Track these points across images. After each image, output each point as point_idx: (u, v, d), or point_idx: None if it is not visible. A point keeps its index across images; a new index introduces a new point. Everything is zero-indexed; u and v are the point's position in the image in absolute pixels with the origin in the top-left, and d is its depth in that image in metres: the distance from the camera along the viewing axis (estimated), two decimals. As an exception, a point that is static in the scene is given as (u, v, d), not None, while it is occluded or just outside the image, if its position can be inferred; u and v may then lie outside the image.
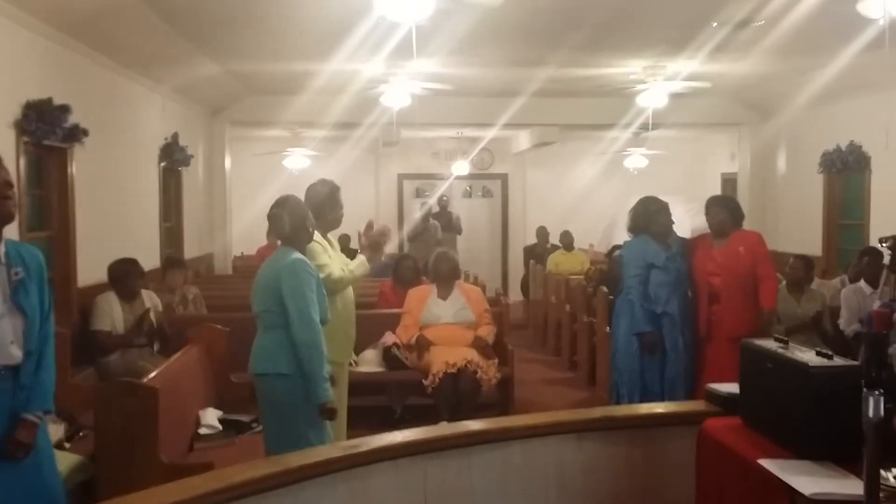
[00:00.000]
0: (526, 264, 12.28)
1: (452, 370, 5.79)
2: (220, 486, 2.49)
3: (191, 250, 9.08)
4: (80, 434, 4.26)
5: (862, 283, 6.34)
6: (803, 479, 2.32)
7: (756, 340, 2.90)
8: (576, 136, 12.66)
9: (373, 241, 4.45)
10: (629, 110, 9.62)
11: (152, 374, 4.26)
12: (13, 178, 4.81)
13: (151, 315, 5.96)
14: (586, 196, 13.57)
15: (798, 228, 9.77)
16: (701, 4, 5.82)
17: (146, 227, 7.71)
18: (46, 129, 5.22)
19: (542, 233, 12.25)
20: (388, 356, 6.21)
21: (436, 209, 12.70)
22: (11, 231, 4.45)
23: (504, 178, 14.51)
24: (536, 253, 11.94)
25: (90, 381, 5.48)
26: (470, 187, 14.63)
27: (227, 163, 10.49)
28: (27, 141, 5.12)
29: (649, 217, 5.55)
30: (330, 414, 3.73)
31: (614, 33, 6.86)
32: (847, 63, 7.06)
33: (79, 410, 4.35)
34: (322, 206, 4.29)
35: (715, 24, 6.23)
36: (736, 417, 2.89)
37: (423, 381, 5.85)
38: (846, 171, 8.79)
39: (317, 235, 4.15)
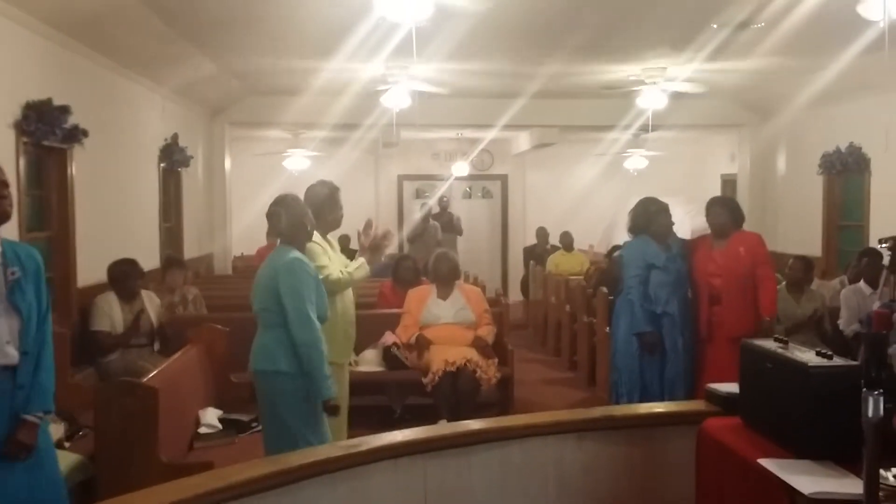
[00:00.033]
0: (526, 265, 12.29)
1: (452, 369, 5.80)
2: (219, 485, 2.49)
3: (190, 251, 9.08)
4: (80, 434, 4.27)
5: (861, 283, 6.34)
6: (803, 478, 2.32)
7: (756, 340, 2.91)
8: (576, 138, 12.66)
9: (373, 244, 4.46)
10: (629, 111, 9.63)
11: (152, 374, 4.26)
12: (13, 178, 4.87)
13: (152, 315, 5.97)
14: (586, 197, 13.58)
15: (798, 229, 9.78)
16: (701, 6, 5.82)
17: (146, 228, 7.71)
18: (46, 129, 5.22)
19: (542, 233, 12.26)
20: (388, 356, 6.21)
21: (436, 210, 12.72)
22: (11, 231, 4.46)
23: (504, 179, 14.52)
24: (536, 253, 11.95)
25: (90, 380, 5.49)
26: (470, 188, 14.64)
27: (227, 163, 10.50)
28: (27, 141, 5.13)
29: (649, 218, 5.56)
30: (334, 410, 3.74)
31: (614, 35, 6.87)
32: (847, 65, 7.06)
33: (79, 410, 4.35)
34: (322, 206, 4.29)
35: (715, 25, 6.23)
36: (736, 417, 2.89)
37: (423, 379, 5.85)
38: (846, 173, 8.80)
39: (317, 236, 4.15)
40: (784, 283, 6.50)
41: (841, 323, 6.30)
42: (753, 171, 10.92)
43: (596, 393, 7.27)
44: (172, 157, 8.28)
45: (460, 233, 12.85)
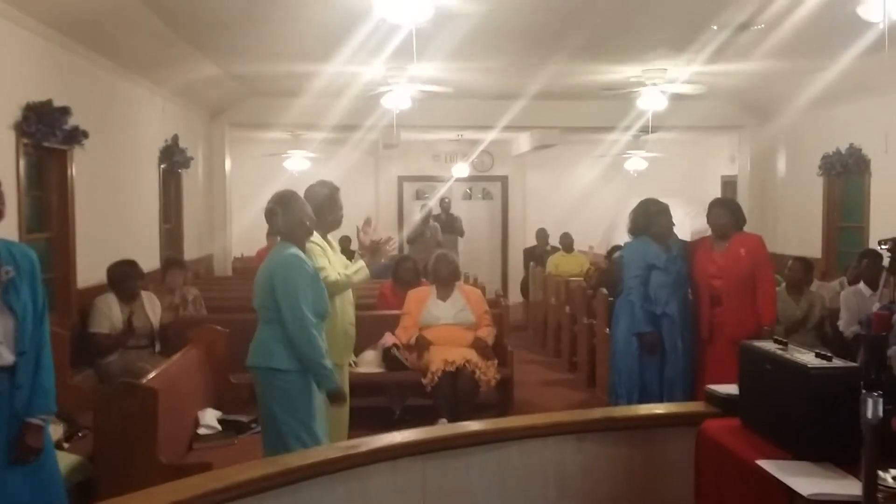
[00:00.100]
0: (526, 266, 12.29)
1: (451, 369, 5.80)
2: (218, 486, 2.49)
3: (190, 252, 9.08)
4: (80, 434, 4.27)
5: (861, 285, 6.34)
6: (802, 479, 2.32)
7: (755, 342, 2.91)
8: (576, 139, 12.66)
9: (374, 247, 4.46)
10: (629, 113, 9.63)
11: (151, 375, 4.26)
12: (13, 179, 4.87)
13: (151, 316, 5.97)
14: (586, 198, 13.59)
15: (798, 231, 9.78)
16: (701, 8, 5.82)
17: (146, 229, 7.72)
18: (46, 130, 5.23)
19: (542, 234, 12.26)
20: (388, 357, 6.21)
21: (437, 211, 12.72)
22: (11, 232, 4.47)
23: (504, 181, 14.52)
24: (536, 255, 11.95)
25: (89, 382, 5.49)
26: (470, 189, 14.64)
27: (227, 165, 10.50)
28: (27, 143, 5.13)
29: (650, 219, 5.56)
30: (338, 399, 3.77)
31: (614, 36, 6.87)
32: (847, 66, 7.06)
33: (78, 411, 4.35)
34: (321, 207, 4.28)
35: (715, 27, 6.23)
36: (735, 418, 2.89)
37: (423, 380, 5.85)
38: (846, 174, 8.80)
39: (316, 236, 4.15)
40: (783, 284, 6.50)
41: (841, 324, 6.30)
42: (753, 172, 10.92)
43: (595, 394, 7.27)
44: (172, 159, 8.28)
45: (461, 234, 12.88)
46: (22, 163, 5.06)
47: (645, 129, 10.01)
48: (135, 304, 5.91)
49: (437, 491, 2.93)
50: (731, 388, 3.03)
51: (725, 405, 3.02)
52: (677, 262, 5.49)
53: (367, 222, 4.52)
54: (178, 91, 8.40)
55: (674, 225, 5.63)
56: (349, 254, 4.90)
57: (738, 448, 2.67)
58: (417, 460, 2.90)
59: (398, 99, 8.02)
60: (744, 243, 5.43)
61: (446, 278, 6.38)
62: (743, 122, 10.82)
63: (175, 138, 8.37)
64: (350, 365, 4.63)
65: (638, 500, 3.14)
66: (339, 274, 4.22)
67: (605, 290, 7.10)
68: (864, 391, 1.99)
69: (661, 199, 5.73)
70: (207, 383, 5.10)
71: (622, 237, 6.44)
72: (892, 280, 2.88)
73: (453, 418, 5.43)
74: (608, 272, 7.70)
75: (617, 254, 7.11)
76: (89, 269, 6.04)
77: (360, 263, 4.36)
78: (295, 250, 3.80)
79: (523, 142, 12.91)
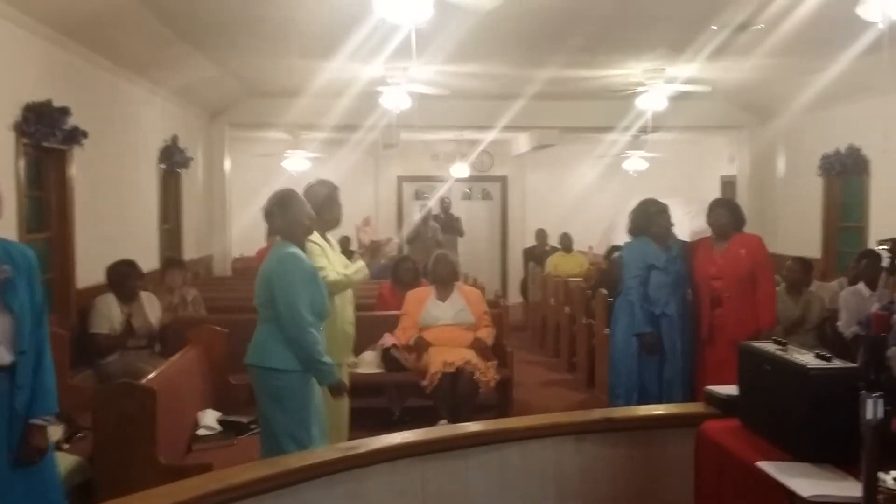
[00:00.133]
0: (525, 266, 12.29)
1: (451, 370, 5.79)
2: (218, 487, 2.49)
3: (190, 252, 9.07)
4: (79, 435, 4.26)
5: (861, 285, 6.34)
6: (801, 481, 2.32)
7: (755, 343, 2.91)
8: (575, 139, 12.66)
9: (374, 248, 4.46)
10: (629, 113, 9.63)
11: (151, 376, 4.26)
12: (13, 180, 4.87)
13: (151, 317, 5.96)
14: (585, 198, 13.59)
15: (797, 231, 9.77)
16: (700, 7, 5.82)
17: (145, 229, 7.71)
18: (46, 131, 5.22)
19: (541, 235, 12.26)
20: (387, 357, 6.21)
21: (436, 211, 12.72)
22: (11, 232, 4.47)
23: (504, 181, 14.52)
24: (536, 255, 11.95)
25: (89, 382, 5.48)
26: (469, 189, 14.64)
27: (227, 165, 10.50)
28: (27, 143, 5.12)
29: (649, 219, 5.56)
30: (340, 392, 3.79)
31: (614, 36, 6.87)
32: (846, 66, 7.07)
33: (77, 412, 4.34)
34: (321, 206, 4.28)
35: (714, 27, 6.24)
36: (735, 419, 2.89)
37: (422, 381, 5.85)
38: (845, 174, 8.80)
39: (316, 236, 4.15)
40: (783, 284, 6.50)
41: (840, 325, 6.29)
42: (753, 172, 10.92)
43: (595, 394, 7.27)
44: (172, 159, 8.28)
45: (461, 234, 12.88)
46: (21, 163, 5.06)
47: (644, 130, 10.00)
48: (134, 304, 5.91)
49: (437, 492, 2.93)
50: (731, 389, 3.03)
51: (725, 406, 3.02)
52: (677, 263, 5.49)
53: (366, 221, 4.53)
54: (178, 91, 8.39)
55: (673, 225, 5.63)
56: (349, 254, 4.90)
57: (738, 449, 2.67)
58: (417, 461, 2.91)
59: (398, 99, 8.01)
60: (744, 244, 5.43)
61: (445, 279, 6.38)
62: (742, 122, 10.82)
63: (174, 138, 8.36)
64: (349, 366, 4.63)
65: (637, 500, 3.14)
66: (338, 273, 4.22)
67: (604, 291, 7.10)
68: (863, 392, 1.99)
69: (661, 200, 5.73)
70: (207, 384, 5.09)
71: (621, 237, 6.44)
72: (892, 280, 2.88)
73: (453, 419, 5.43)
74: (608, 272, 7.71)
75: (616, 254, 7.11)
76: (89, 270, 6.04)
77: (360, 263, 4.36)
78: (294, 249, 3.80)
79: (523, 142, 12.91)
